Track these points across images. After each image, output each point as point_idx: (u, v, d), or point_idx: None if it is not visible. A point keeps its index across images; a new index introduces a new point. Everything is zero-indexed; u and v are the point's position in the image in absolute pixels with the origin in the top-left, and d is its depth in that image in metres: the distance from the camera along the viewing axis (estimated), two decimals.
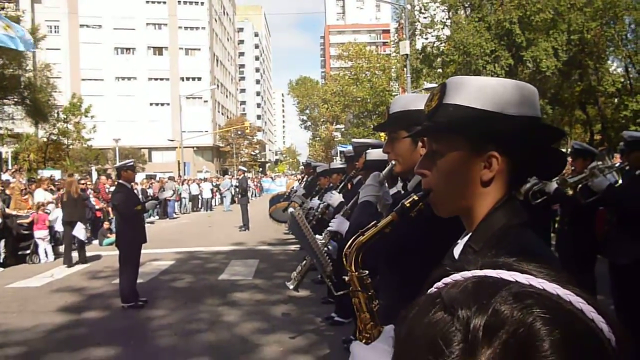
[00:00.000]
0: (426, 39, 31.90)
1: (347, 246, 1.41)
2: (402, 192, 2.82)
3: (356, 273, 1.40)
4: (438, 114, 1.19)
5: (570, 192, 5.05)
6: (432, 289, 0.54)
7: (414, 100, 2.09)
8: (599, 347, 0.46)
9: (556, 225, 5.88)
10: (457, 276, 0.53)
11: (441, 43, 31.33)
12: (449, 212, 1.21)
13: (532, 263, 0.53)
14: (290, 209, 7.48)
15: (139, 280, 7.96)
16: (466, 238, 1.20)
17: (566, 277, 0.52)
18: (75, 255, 11.48)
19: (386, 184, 2.54)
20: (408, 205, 1.33)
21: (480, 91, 1.14)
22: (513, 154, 1.13)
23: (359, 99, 39.50)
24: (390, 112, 2.10)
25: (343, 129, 49.68)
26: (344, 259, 1.43)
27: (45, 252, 12.02)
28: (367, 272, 1.41)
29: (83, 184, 16.12)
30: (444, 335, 0.46)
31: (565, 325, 0.45)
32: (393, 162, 2.12)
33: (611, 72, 30.89)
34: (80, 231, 11.49)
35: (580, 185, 4.96)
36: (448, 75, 29.37)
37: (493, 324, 0.45)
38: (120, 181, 7.86)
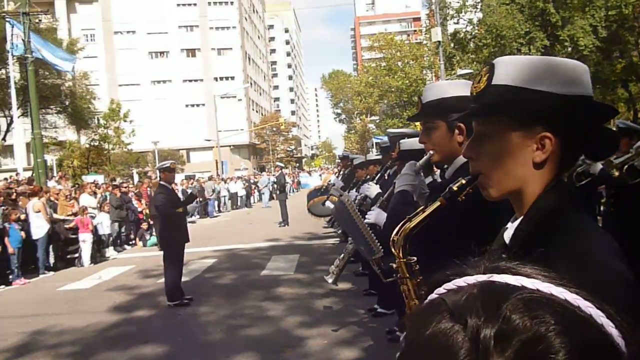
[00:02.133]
0: (457, 23, 31.36)
1: (394, 233, 1.40)
2: (439, 180, 2.79)
3: (404, 260, 1.39)
4: (486, 96, 1.16)
5: (616, 174, 4.89)
6: (433, 296, 0.51)
7: (446, 87, 2.06)
8: (610, 354, 0.45)
9: (602, 208, 5.71)
10: (460, 281, 0.50)
11: (473, 27, 30.78)
12: (498, 195, 1.18)
13: (535, 265, 0.51)
14: (337, 197, 7.50)
15: (183, 279, 8.12)
16: (517, 222, 1.17)
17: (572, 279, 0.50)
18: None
19: (422, 174, 2.52)
20: (456, 189, 1.31)
21: (529, 71, 1.11)
22: (565, 134, 1.10)
23: (393, 89, 39.19)
24: (423, 102, 2.07)
25: (377, 120, 49.40)
26: (391, 246, 1.42)
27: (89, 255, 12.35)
28: (415, 258, 1.40)
29: (125, 187, 16.54)
30: (451, 345, 0.44)
31: (578, 334, 0.44)
32: (430, 152, 2.10)
33: None
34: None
35: (626, 166, 4.80)
36: (481, 60, 28.84)
37: (504, 334, 0.43)
38: (161, 182, 8.02)
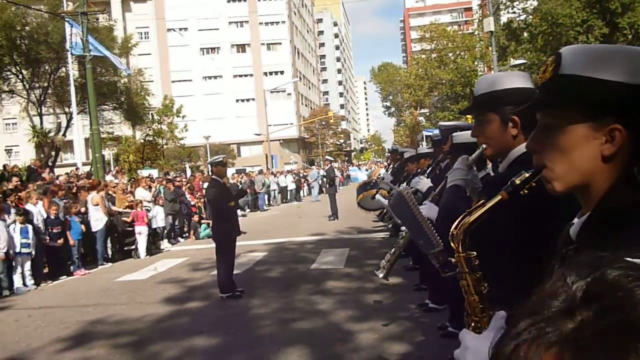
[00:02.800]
0: (512, 12, 30.53)
1: (454, 226, 1.37)
2: (492, 174, 2.71)
3: (464, 254, 1.37)
4: (553, 86, 1.12)
5: None
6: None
7: (499, 79, 2.00)
8: None
9: None
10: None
11: (528, 15, 29.90)
12: (564, 190, 1.13)
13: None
14: (387, 190, 7.45)
15: (235, 272, 8.25)
16: (584, 217, 1.12)
17: None
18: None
19: (475, 168, 2.46)
20: (519, 182, 1.27)
21: (598, 59, 1.07)
22: (636, 126, 1.04)
23: (443, 81, 38.59)
24: (475, 95, 2.02)
25: (427, 113, 48.79)
26: (450, 240, 1.40)
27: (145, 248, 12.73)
28: (474, 253, 1.38)
29: (179, 181, 16.93)
30: (552, 293, 0.50)
31: None
32: (484, 145, 2.04)
33: None
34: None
35: None
36: (536, 49, 28.01)
37: (595, 288, 0.47)
38: (213, 176, 8.16)
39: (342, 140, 77.27)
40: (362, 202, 10.62)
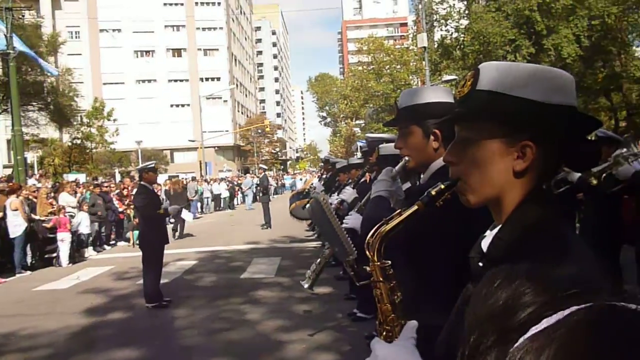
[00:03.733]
0: (445, 30, 31.57)
1: (369, 235, 1.38)
2: (417, 184, 2.77)
3: (379, 263, 1.37)
4: (470, 101, 1.14)
5: (595, 182, 4.93)
6: None
7: (422, 93, 2.05)
8: None
9: (580, 215, 5.76)
10: None
11: (460, 34, 31.00)
12: (477, 202, 1.16)
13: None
14: (314, 195, 7.47)
15: (163, 280, 8.04)
16: (495, 230, 1.15)
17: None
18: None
19: (399, 179, 2.51)
20: (434, 194, 1.29)
21: (514, 77, 1.09)
22: (548, 143, 1.08)
23: (378, 93, 39.32)
24: (399, 107, 2.06)
25: (363, 124, 49.50)
26: (366, 249, 1.40)
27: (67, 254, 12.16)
28: (389, 262, 1.38)
29: (106, 186, 16.35)
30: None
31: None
32: (406, 157, 2.08)
33: (636, 57, 30.25)
34: (187, 215, 13.67)
35: (604, 175, 4.85)
36: (468, 66, 29.06)
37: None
38: (142, 183, 7.92)
39: (278, 149, 77.13)
40: (294, 211, 10.60)
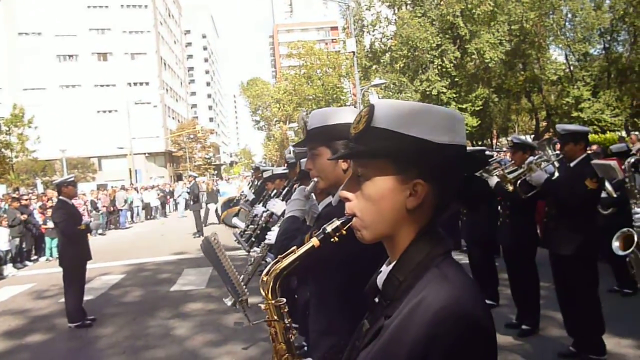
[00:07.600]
0: (373, 35, 32.15)
1: (264, 273, 1.36)
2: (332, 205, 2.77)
3: (273, 301, 1.35)
4: (365, 138, 1.14)
5: (511, 188, 5.11)
6: None
7: (330, 114, 2.04)
8: None
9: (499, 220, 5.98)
10: None
11: (388, 39, 31.64)
12: (372, 239, 1.16)
13: None
14: (247, 210, 7.36)
15: (87, 297, 7.74)
16: (390, 266, 1.15)
17: None
18: None
19: (314, 197, 2.50)
20: (330, 231, 1.29)
21: (408, 117, 1.10)
22: (439, 181, 1.11)
23: (311, 97, 39.54)
24: (308, 128, 2.04)
25: (296, 128, 49.61)
26: (260, 287, 1.37)
27: None
28: (284, 300, 1.36)
29: (26, 199, 15.57)
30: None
31: None
32: (315, 179, 2.07)
33: (552, 61, 31.89)
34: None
35: (519, 181, 5.03)
36: (397, 70, 29.72)
37: None
38: (61, 197, 7.56)
39: (211, 154, 76.00)
40: (225, 219, 10.48)
